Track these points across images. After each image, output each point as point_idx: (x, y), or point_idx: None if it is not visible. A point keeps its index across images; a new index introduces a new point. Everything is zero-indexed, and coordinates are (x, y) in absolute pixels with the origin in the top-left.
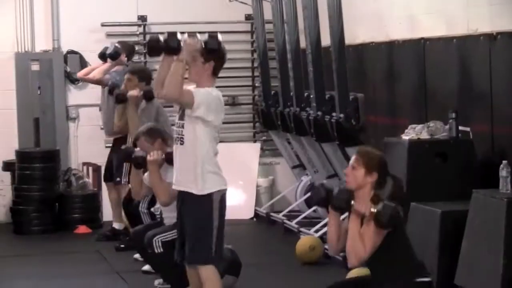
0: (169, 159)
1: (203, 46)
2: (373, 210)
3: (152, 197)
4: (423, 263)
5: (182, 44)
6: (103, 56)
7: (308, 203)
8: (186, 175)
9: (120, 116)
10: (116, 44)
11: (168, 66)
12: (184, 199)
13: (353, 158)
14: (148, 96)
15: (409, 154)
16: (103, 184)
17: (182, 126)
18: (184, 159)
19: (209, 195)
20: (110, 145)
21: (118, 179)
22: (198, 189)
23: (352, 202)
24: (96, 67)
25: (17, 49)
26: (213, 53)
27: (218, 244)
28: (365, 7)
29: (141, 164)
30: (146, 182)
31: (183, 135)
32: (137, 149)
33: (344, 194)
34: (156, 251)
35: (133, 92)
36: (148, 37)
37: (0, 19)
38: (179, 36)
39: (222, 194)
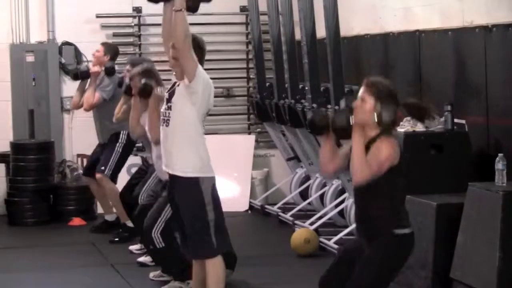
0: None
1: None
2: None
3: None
4: (407, 212)
5: None
6: (76, 77)
7: (303, 195)
8: (172, 157)
9: (121, 106)
10: (85, 64)
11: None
12: (174, 185)
13: (361, 89)
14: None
15: (405, 146)
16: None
17: (170, 108)
18: (170, 140)
19: (197, 182)
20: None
21: (102, 167)
22: (184, 171)
23: (351, 118)
24: (78, 96)
25: (12, 40)
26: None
27: (218, 234)
28: None
29: (147, 92)
30: (142, 122)
31: (170, 116)
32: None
33: (344, 112)
34: (158, 246)
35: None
36: (142, 28)
37: None
38: None
39: (212, 184)
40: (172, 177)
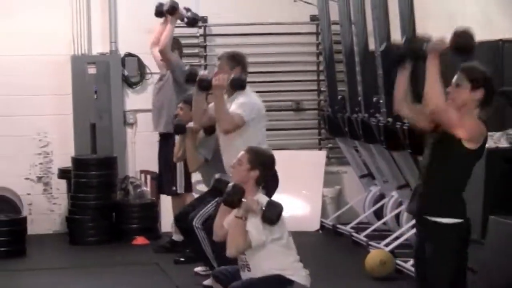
0: (234, 84)
1: (263, 210)
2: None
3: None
4: (463, 200)
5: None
6: (160, 14)
7: (377, 214)
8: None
9: (180, 145)
10: None
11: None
12: None
13: (456, 75)
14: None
15: (487, 163)
16: None
17: (244, 253)
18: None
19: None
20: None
21: (174, 188)
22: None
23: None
24: (159, 31)
25: (73, 51)
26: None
27: None
28: (437, 7)
29: (206, 87)
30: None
31: (248, 262)
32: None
33: (419, 40)
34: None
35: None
36: (208, 39)
37: (57, 21)
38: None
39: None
40: None
